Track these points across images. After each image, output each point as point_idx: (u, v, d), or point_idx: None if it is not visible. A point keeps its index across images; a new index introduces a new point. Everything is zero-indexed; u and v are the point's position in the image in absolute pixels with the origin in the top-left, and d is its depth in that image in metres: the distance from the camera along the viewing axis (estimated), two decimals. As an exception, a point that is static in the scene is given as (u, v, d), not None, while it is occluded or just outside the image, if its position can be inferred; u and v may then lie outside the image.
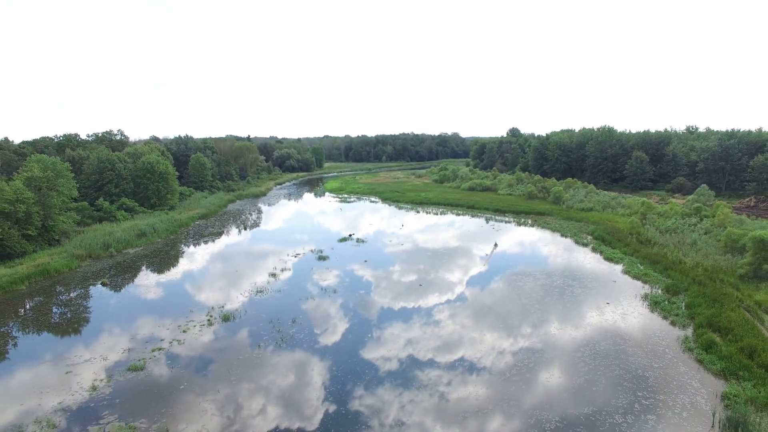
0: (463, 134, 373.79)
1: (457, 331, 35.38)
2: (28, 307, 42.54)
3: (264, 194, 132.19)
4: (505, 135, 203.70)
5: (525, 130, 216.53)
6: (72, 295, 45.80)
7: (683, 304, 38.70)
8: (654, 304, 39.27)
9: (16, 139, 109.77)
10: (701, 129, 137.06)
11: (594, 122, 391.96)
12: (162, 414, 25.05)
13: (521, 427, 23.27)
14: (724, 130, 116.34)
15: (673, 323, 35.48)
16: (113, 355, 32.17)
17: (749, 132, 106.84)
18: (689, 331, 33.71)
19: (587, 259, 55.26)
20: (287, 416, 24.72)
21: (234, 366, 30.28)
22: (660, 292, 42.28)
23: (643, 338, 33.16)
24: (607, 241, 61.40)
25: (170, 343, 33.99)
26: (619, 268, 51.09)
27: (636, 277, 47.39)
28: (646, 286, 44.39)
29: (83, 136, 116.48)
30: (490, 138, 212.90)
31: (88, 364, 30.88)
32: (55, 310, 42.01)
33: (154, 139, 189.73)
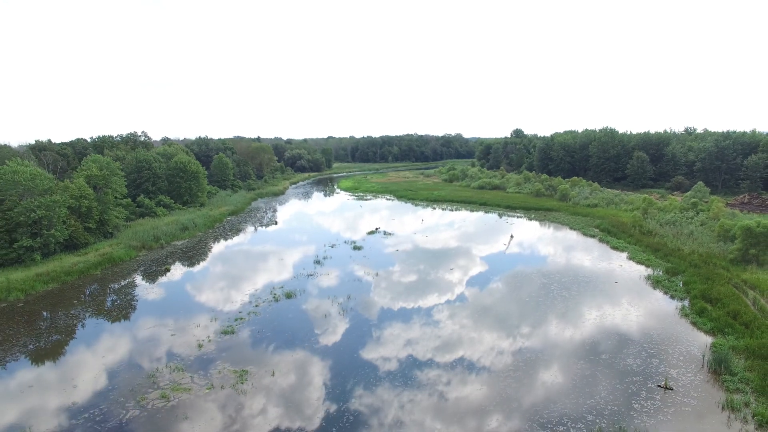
0: (466, 135, 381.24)
1: (491, 299, 41.81)
2: (110, 289, 48.91)
3: (282, 193, 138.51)
4: (509, 136, 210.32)
5: (528, 131, 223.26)
6: (143, 279, 52.10)
7: (681, 282, 45.16)
8: (656, 282, 45.75)
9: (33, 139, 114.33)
10: (699, 130, 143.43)
11: (596, 123, 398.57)
12: (264, 363, 31.40)
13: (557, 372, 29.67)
14: (721, 131, 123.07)
15: (672, 297, 42.00)
16: (204, 324, 38.41)
17: (744, 133, 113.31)
18: (686, 302, 40.18)
19: (595, 248, 61.73)
20: (356, 366, 31.11)
21: (311, 330, 36.66)
22: (661, 273, 48.73)
23: (647, 307, 39.65)
24: (613, 233, 67.85)
25: (248, 314, 40.28)
26: (624, 255, 57.55)
27: (639, 262, 53.84)
28: (649, 269, 50.85)
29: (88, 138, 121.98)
30: (495, 139, 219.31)
31: (186, 330, 37.12)
32: (134, 290, 48.31)
33: (166, 140, 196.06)
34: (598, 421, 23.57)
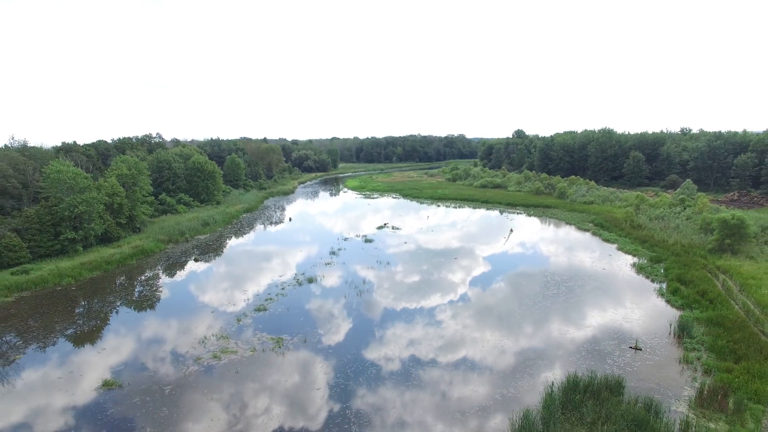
0: (469, 135, 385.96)
1: (494, 278, 47.09)
2: (148, 276, 54.41)
3: (292, 192, 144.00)
4: (510, 136, 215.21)
5: (529, 131, 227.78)
6: (176, 268, 57.54)
7: (662, 268, 50.28)
8: (640, 268, 50.93)
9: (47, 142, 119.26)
10: (695, 130, 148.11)
11: (596, 124, 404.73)
12: (296, 332, 36.71)
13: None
14: (714, 131, 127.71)
15: (652, 280, 47.21)
16: (238, 304, 43.69)
17: (735, 133, 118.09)
18: (663, 285, 45.34)
19: (588, 240, 66.91)
20: (374, 332, 36.46)
21: (332, 308, 42.01)
22: (645, 261, 53.91)
23: (629, 289, 44.86)
24: (605, 227, 72.99)
25: (276, 296, 45.62)
26: (614, 246, 62.71)
27: (627, 252, 59.02)
28: (635, 258, 56.04)
29: (108, 140, 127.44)
30: (497, 139, 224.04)
31: (224, 309, 42.43)
32: (170, 278, 53.74)
33: (175, 141, 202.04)
34: (577, 371, 28.74)
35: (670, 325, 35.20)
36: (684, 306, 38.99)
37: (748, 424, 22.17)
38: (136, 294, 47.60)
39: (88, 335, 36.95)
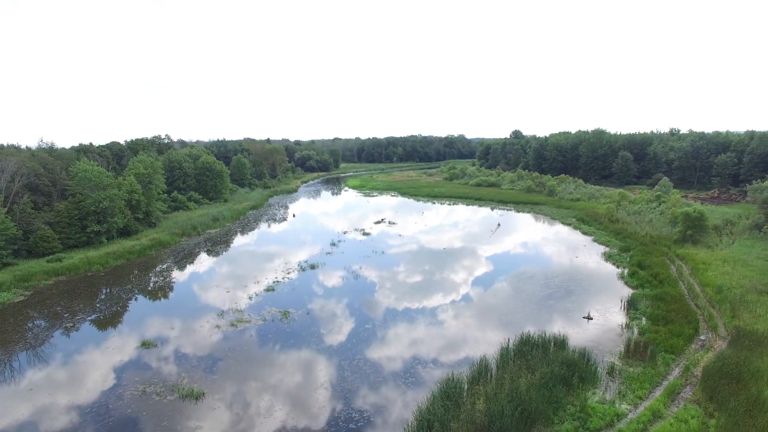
0: (469, 136, 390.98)
1: (478, 265, 52.93)
2: (167, 264, 60.46)
3: (295, 190, 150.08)
4: (508, 137, 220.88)
5: (527, 131, 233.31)
6: (191, 257, 63.57)
7: (628, 257, 56.01)
8: (608, 257, 56.75)
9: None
10: (684, 130, 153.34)
11: (593, 123, 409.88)
12: (300, 307, 42.63)
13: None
14: (699, 131, 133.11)
15: (617, 266, 53.04)
16: (250, 286, 49.67)
17: (718, 134, 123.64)
18: (626, 270, 51.09)
19: (569, 233, 72.73)
20: (366, 312, 42.37)
21: (332, 288, 47.98)
22: (615, 251, 59.65)
23: (596, 272, 50.73)
24: (586, 221, 78.74)
25: (282, 279, 51.58)
26: (591, 238, 68.51)
27: (601, 243, 64.81)
28: (607, 248, 61.79)
29: (117, 140, 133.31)
30: (495, 140, 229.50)
31: (238, 290, 48.32)
32: (187, 266, 59.76)
33: (182, 142, 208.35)
34: (530, 332, 34.50)
35: (621, 300, 41.01)
36: (638, 286, 44.79)
37: (659, 368, 27.97)
38: (158, 279, 53.63)
39: (121, 311, 43.03)
